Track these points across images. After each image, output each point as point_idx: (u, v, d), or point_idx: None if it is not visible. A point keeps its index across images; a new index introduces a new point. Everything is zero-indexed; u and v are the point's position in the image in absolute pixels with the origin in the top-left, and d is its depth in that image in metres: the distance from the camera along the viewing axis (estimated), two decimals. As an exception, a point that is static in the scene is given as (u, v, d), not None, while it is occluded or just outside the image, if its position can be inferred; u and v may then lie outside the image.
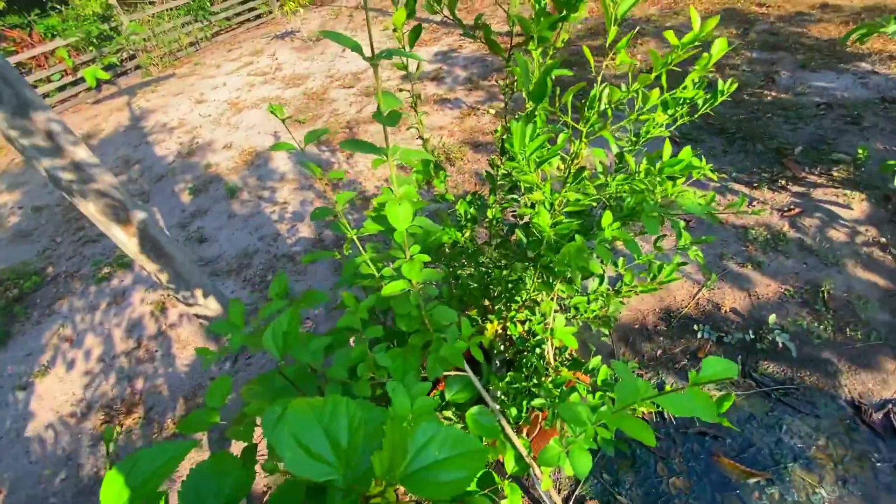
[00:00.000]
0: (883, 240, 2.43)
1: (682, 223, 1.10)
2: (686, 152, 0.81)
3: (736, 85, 1.00)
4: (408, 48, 1.10)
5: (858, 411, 1.80)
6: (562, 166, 0.91)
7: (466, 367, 1.06)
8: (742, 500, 1.61)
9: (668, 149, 0.86)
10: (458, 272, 1.56)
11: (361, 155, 4.04)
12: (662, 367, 2.06)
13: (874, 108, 3.37)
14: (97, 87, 6.68)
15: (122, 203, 1.61)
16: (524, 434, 1.41)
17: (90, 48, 6.60)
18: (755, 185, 2.91)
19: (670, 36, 0.61)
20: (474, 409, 0.93)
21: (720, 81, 1.04)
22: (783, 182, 2.89)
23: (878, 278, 2.25)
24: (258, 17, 8.66)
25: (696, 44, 0.57)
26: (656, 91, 0.72)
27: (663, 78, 0.66)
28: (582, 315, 1.40)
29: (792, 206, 2.71)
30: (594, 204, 0.96)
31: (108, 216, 1.60)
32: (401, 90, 4.73)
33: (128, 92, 6.54)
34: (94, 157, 1.42)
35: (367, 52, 0.61)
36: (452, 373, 1.07)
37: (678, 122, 1.04)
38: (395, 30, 1.10)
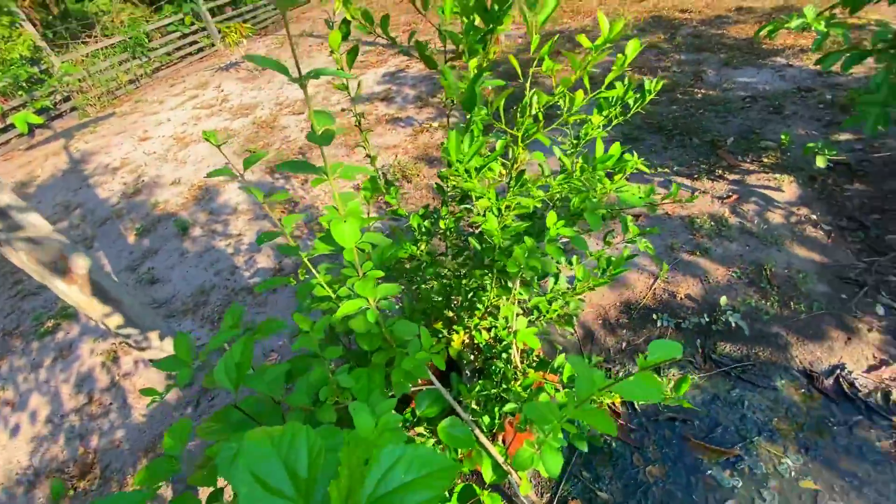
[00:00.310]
0: (814, 217, 2.61)
1: (630, 217, 1.15)
2: (615, 148, 0.85)
3: (663, 83, 1.07)
4: (346, 69, 1.11)
5: (811, 380, 1.91)
6: (503, 172, 0.93)
7: (434, 380, 1.05)
8: (715, 479, 1.66)
9: (600, 147, 0.90)
10: (421, 286, 1.56)
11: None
12: (628, 359, 2.11)
13: (792, 98, 3.66)
14: (30, 132, 6.33)
15: (59, 249, 1.52)
16: (500, 441, 1.41)
17: (20, 93, 6.27)
18: (695, 176, 3.09)
19: (583, 39, 0.64)
20: (446, 421, 0.92)
21: (647, 81, 1.11)
22: (720, 171, 3.07)
23: (813, 253, 2.42)
24: (200, 50, 8.50)
25: (608, 45, 0.61)
26: (580, 92, 0.76)
27: (585, 79, 0.70)
28: (545, 316, 1.42)
29: (730, 194, 2.88)
30: (539, 205, 0.99)
31: (43, 265, 1.50)
32: (343, 110, 4.73)
33: (64, 135, 6.23)
34: (20, 201, 1.34)
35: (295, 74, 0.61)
36: (421, 387, 1.06)
37: (614, 123, 1.10)
38: (332, 52, 1.11)
